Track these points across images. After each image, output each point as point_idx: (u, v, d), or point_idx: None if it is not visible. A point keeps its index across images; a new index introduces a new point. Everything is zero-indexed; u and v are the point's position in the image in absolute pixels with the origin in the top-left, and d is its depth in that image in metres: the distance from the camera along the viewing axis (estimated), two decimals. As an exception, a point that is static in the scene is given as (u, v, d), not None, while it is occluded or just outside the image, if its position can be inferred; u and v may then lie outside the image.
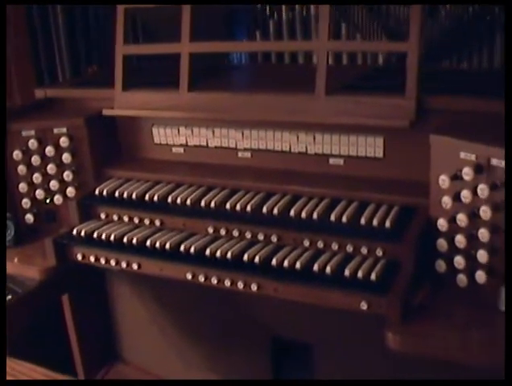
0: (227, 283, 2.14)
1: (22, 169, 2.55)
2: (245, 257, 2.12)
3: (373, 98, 2.17)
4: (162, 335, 3.04)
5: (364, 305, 1.95)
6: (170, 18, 2.90)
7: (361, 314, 2.43)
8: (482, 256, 1.93)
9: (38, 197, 2.58)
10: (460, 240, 1.96)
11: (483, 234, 1.91)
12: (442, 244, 2.01)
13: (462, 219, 1.94)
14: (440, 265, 2.03)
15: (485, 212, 1.89)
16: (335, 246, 2.11)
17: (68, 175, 2.55)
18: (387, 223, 2.06)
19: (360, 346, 2.61)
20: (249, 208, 2.25)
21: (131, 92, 2.54)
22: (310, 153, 2.37)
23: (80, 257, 2.39)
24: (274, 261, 2.08)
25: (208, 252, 2.18)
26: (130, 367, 3.16)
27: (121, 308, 3.10)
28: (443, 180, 1.96)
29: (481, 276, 1.95)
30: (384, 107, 2.15)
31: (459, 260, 1.98)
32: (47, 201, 2.59)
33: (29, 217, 2.60)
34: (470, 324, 1.92)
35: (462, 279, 1.99)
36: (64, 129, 2.52)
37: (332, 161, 2.34)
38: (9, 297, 2.43)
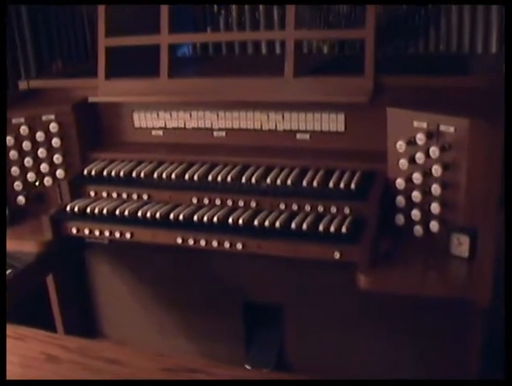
0: (214, 244, 2.41)
1: (13, 154, 2.74)
2: (230, 220, 2.40)
3: (335, 78, 2.50)
4: (140, 309, 3.25)
5: (337, 255, 2.27)
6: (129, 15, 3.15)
7: (325, 274, 2.77)
8: (435, 208, 2.27)
9: (29, 180, 2.78)
10: (416, 195, 2.30)
11: (435, 189, 2.25)
12: (400, 200, 2.35)
13: (417, 177, 2.28)
14: (400, 219, 2.37)
15: (436, 170, 2.23)
16: (307, 207, 2.42)
17: (58, 158, 2.75)
18: (352, 186, 2.38)
19: (324, 304, 2.92)
20: (229, 179, 2.52)
21: (114, 80, 2.78)
22: (279, 130, 2.66)
23: (74, 231, 2.61)
24: (256, 222, 2.37)
25: (195, 218, 2.44)
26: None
27: (101, 285, 3.29)
28: (401, 145, 2.30)
29: (434, 225, 2.29)
30: (345, 86, 2.47)
31: (415, 213, 2.32)
32: (37, 183, 2.79)
33: (20, 199, 2.80)
34: (426, 265, 2.27)
35: (418, 229, 2.33)
36: (53, 116, 2.73)
37: (299, 136, 2.64)
38: (8, 271, 2.62)
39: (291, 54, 2.51)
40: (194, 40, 2.64)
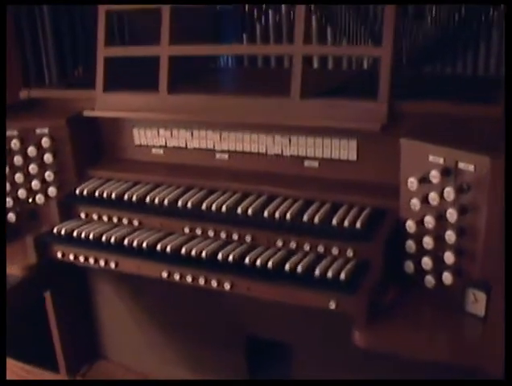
0: (201, 281, 2.18)
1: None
2: (220, 256, 2.16)
3: (346, 102, 2.22)
4: (142, 333, 3.07)
5: (332, 305, 2.00)
6: (156, 21, 2.95)
7: (337, 314, 2.49)
8: (449, 257, 1.97)
9: (20, 196, 2.62)
10: (427, 241, 2.00)
11: (449, 236, 1.95)
12: (410, 245, 2.06)
13: (429, 221, 1.98)
14: (409, 266, 2.08)
15: (451, 215, 1.93)
16: (307, 246, 2.16)
17: (49, 175, 2.59)
18: (358, 224, 2.10)
19: (336, 347, 2.64)
20: (224, 209, 2.28)
21: (112, 93, 2.58)
22: (285, 155, 2.41)
23: (60, 255, 2.43)
24: (247, 260, 2.13)
25: (183, 251, 2.22)
26: (111, 364, 3.19)
27: (103, 305, 3.13)
28: (412, 182, 2.00)
29: (447, 277, 1.99)
30: (357, 111, 2.19)
31: (426, 262, 2.02)
32: (30, 200, 2.63)
33: (11, 216, 2.64)
34: (436, 324, 1.97)
35: (430, 280, 2.03)
36: (46, 130, 2.56)
37: (307, 163, 2.38)
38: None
39: (299, 71, 2.24)
40: (196, 53, 2.41)
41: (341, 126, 2.21)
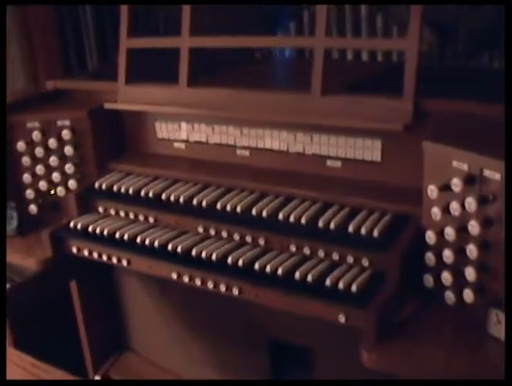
0: (210, 285, 2.09)
1: (26, 160, 2.56)
2: (229, 260, 2.06)
3: (369, 99, 2.06)
4: (167, 328, 3.01)
5: (342, 318, 1.86)
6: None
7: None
8: (470, 273, 1.79)
9: (41, 188, 2.59)
10: (447, 255, 1.83)
11: (471, 250, 1.77)
12: (430, 257, 1.89)
13: (450, 233, 1.81)
14: (428, 280, 1.91)
15: (473, 227, 1.75)
16: (321, 253, 2.02)
17: (69, 168, 2.55)
18: (375, 233, 1.95)
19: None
20: (239, 209, 2.18)
21: (134, 85, 2.51)
22: (307, 154, 2.27)
23: (75, 250, 2.39)
24: (256, 266, 2.02)
25: (194, 252, 2.13)
26: (137, 358, 3.15)
27: (129, 297, 3.09)
28: (432, 190, 1.84)
29: (468, 294, 1.81)
30: (380, 109, 2.03)
31: (446, 276, 1.85)
32: (52, 192, 2.60)
33: (32, 208, 2.62)
34: (455, 346, 1.78)
35: (450, 296, 1.87)
36: (67, 122, 2.51)
37: (329, 163, 2.24)
38: (7, 285, 2.46)
39: (320, 66, 2.09)
40: (217, 45, 2.29)
41: (361, 126, 2.06)
